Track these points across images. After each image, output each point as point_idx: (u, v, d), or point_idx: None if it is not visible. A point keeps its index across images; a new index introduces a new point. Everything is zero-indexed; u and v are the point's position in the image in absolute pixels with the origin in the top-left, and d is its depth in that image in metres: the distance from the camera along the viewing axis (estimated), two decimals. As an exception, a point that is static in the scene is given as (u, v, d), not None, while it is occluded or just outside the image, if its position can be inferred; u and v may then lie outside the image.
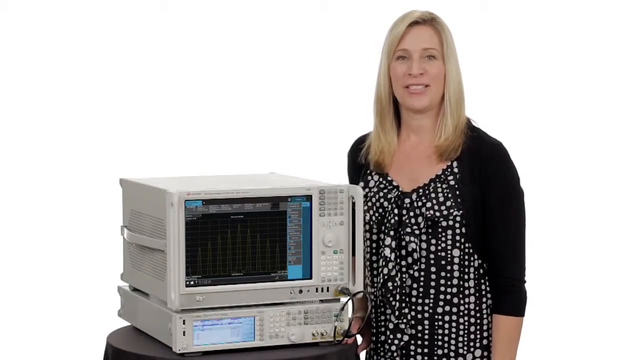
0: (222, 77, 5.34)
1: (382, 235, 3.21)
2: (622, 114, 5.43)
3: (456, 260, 3.17)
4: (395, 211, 3.18)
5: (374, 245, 3.25)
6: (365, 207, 3.22)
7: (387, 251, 3.16)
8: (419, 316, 3.19)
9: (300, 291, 3.07)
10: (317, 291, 3.09)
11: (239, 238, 3.00)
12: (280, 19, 5.36)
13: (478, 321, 3.20)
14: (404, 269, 3.18)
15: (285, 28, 5.35)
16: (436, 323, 3.18)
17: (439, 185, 3.17)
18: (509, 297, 3.17)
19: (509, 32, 5.37)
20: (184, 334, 2.95)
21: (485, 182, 3.16)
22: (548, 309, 5.15)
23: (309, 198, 3.06)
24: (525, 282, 3.19)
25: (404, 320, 3.17)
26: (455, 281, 3.17)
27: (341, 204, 3.09)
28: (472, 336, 3.19)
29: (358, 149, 3.33)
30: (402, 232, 3.16)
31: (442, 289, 3.17)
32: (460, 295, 3.18)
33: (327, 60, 5.33)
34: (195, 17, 5.33)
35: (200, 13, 5.34)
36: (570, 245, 5.36)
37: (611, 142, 5.44)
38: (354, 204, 3.10)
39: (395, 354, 3.20)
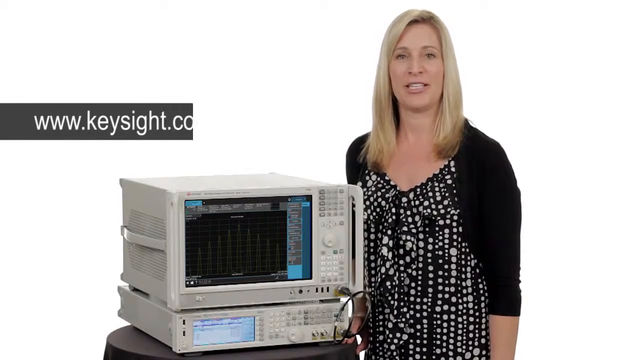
0: (222, 77, 5.34)
1: (379, 235, 3.21)
2: (620, 114, 5.43)
3: (454, 259, 3.17)
4: (393, 210, 3.18)
5: (372, 244, 3.25)
6: (364, 207, 3.22)
7: (384, 250, 3.17)
8: (418, 315, 3.19)
9: (300, 291, 3.07)
10: (317, 291, 3.09)
11: (239, 238, 3.00)
12: (280, 19, 5.36)
13: (477, 320, 3.20)
14: (402, 268, 3.18)
15: (285, 28, 5.35)
16: (434, 322, 3.18)
17: (436, 184, 3.17)
18: (504, 297, 3.18)
19: (509, 32, 5.37)
20: (184, 334, 2.95)
21: (482, 181, 3.16)
22: (546, 309, 5.15)
23: (309, 198, 3.06)
24: (520, 281, 3.20)
25: (403, 320, 3.17)
26: (453, 280, 3.17)
27: (341, 204, 3.09)
28: (470, 335, 3.19)
29: (357, 149, 3.33)
30: (399, 231, 3.17)
31: (440, 287, 3.17)
32: (458, 295, 3.18)
33: (327, 60, 5.33)
34: (195, 17, 5.33)
35: (200, 13, 5.33)
36: (567, 245, 5.36)
37: (608, 142, 5.43)
38: (353, 204, 3.10)
39: (394, 353, 3.20)
